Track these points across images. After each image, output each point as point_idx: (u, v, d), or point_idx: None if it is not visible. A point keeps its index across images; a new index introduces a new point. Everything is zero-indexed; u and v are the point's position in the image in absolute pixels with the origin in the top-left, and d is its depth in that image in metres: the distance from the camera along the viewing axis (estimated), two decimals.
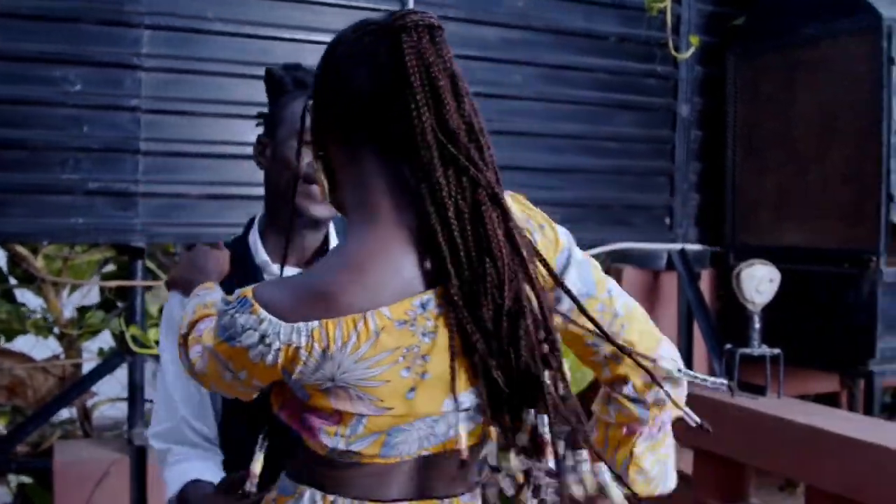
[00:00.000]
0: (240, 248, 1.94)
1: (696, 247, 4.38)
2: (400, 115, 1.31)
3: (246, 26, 3.56)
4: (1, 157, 3.30)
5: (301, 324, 1.26)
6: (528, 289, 1.31)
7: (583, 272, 1.43)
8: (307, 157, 1.70)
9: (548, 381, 1.32)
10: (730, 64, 4.36)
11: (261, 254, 1.92)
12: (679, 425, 1.55)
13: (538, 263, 1.36)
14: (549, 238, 1.42)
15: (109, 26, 3.38)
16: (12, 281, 3.71)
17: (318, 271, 1.33)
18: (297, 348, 1.26)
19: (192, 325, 1.54)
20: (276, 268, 1.89)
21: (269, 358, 1.28)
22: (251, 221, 1.98)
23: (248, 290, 1.31)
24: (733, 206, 4.39)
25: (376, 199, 1.34)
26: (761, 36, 4.26)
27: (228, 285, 1.63)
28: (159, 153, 3.49)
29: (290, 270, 1.84)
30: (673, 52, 4.15)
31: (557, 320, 1.39)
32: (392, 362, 1.29)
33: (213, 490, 1.78)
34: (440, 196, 1.29)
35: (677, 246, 4.29)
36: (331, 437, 1.32)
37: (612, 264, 4.31)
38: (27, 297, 3.72)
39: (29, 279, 3.61)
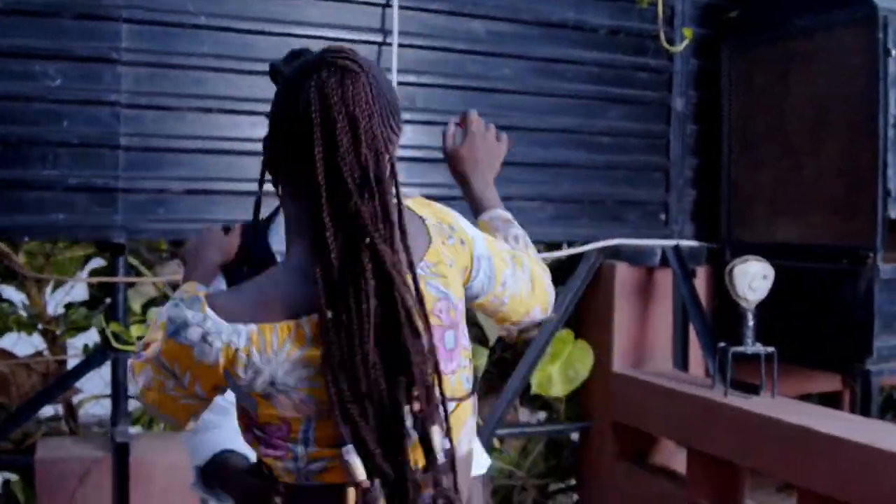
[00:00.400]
0: (259, 234, 1.90)
1: (691, 243, 4.30)
2: (303, 152, 1.35)
3: (227, 20, 3.52)
4: None
5: (241, 325, 1.33)
6: (411, 339, 1.33)
7: (489, 268, 1.57)
8: None
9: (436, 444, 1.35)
10: (724, 56, 4.28)
11: (276, 241, 1.88)
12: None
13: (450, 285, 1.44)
14: (459, 239, 1.50)
15: (88, 20, 3.35)
16: None
17: (261, 280, 1.40)
18: (237, 349, 1.33)
19: (146, 345, 1.56)
20: None
21: (211, 358, 1.34)
22: (277, 208, 1.92)
23: (201, 292, 1.41)
24: (729, 202, 4.31)
25: (299, 228, 1.41)
26: (756, 28, 4.18)
27: (238, 271, 1.69)
28: (140, 148, 3.46)
29: None
30: (666, 45, 4.08)
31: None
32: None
33: (247, 466, 1.74)
34: (322, 236, 1.32)
35: (671, 242, 4.21)
36: (291, 443, 1.36)
37: (605, 261, 4.23)
38: (11, 294, 3.69)
39: (11, 275, 3.59)
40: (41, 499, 3.36)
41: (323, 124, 1.32)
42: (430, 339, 1.35)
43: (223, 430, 1.84)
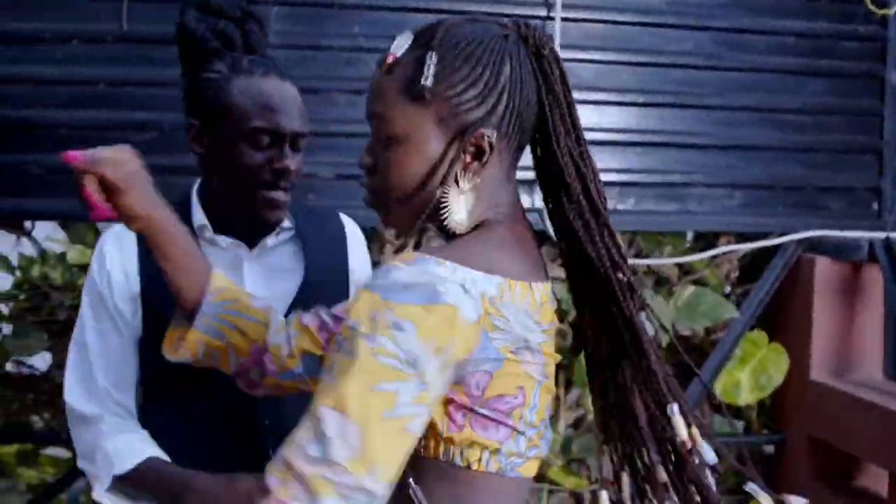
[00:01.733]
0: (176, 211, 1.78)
1: None
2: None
3: None
4: (132, 138, 3.28)
5: (488, 274, 1.20)
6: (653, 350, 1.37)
7: None
8: (290, 159, 1.81)
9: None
10: None
11: (198, 217, 1.79)
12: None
13: None
14: None
15: None
16: None
17: (475, 243, 1.27)
18: (491, 298, 1.19)
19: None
20: (219, 238, 1.83)
21: (474, 313, 1.16)
22: (188, 192, 1.90)
23: (413, 255, 1.18)
24: None
25: (509, 198, 1.35)
26: None
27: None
28: None
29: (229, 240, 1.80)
30: (874, 8, 3.55)
31: None
32: (549, 336, 1.29)
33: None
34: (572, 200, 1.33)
35: (881, 234, 3.68)
36: (518, 419, 1.24)
37: (804, 254, 3.76)
38: None
39: None
40: None
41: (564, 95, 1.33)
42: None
43: (135, 433, 1.69)
